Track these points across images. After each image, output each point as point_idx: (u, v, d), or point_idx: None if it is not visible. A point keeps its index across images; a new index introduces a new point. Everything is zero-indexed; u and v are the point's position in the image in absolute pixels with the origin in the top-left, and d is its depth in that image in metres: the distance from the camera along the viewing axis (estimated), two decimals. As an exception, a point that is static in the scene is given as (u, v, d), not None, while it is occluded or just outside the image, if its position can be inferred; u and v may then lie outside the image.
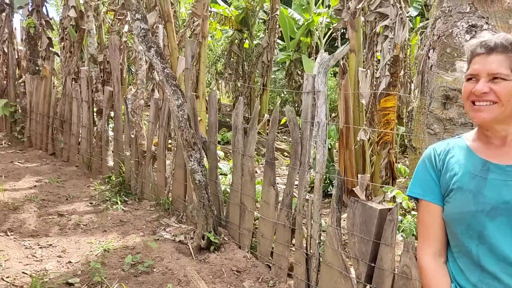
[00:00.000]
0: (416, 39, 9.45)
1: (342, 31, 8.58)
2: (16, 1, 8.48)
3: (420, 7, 9.73)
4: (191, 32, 9.42)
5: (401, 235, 4.04)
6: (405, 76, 8.58)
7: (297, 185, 3.19)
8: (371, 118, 5.21)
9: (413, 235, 3.82)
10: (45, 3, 9.04)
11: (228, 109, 13.75)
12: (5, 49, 8.54)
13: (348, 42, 5.04)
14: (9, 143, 7.40)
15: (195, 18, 8.31)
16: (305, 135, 3.10)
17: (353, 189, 2.88)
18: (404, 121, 5.76)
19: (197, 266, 3.35)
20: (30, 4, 9.01)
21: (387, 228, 2.47)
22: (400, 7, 4.83)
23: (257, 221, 3.66)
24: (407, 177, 6.06)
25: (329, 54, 3.16)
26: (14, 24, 9.34)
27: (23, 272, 3.18)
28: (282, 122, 9.10)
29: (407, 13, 5.09)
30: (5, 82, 8.33)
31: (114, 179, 5.24)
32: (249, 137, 3.61)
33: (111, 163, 5.51)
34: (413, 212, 4.43)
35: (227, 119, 10.45)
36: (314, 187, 3.03)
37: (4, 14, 8.64)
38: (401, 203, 3.98)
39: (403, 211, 4.51)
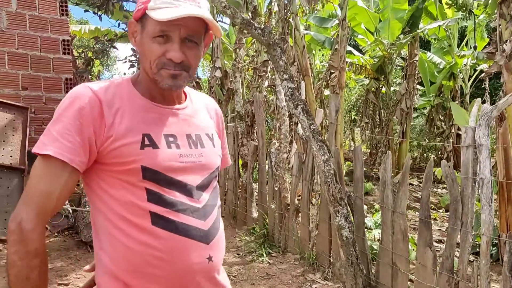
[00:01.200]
0: None
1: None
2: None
3: None
4: (327, 83, 9.58)
5: None
6: None
7: (458, 246, 2.91)
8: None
9: None
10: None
11: (364, 158, 13.45)
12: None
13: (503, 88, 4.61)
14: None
15: (332, 70, 8.45)
16: (466, 192, 2.85)
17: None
18: None
19: (347, 329, 3.20)
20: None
21: None
22: None
23: (410, 283, 3.41)
24: None
25: (475, 98, 2.92)
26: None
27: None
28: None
29: None
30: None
31: (258, 230, 5.40)
32: (399, 193, 3.44)
33: (255, 214, 5.71)
34: None
35: (364, 169, 10.16)
36: (480, 250, 2.73)
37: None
38: None
39: None
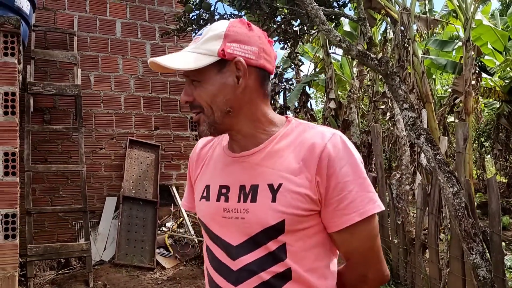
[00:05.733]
0: None
1: None
2: (288, 101, 9.84)
3: None
4: (451, 109, 9.00)
5: None
6: None
7: None
8: None
9: None
10: (309, 99, 10.21)
11: (501, 190, 12.19)
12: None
13: None
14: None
15: (457, 95, 7.94)
16: None
17: None
18: None
19: None
20: (297, 101, 10.32)
21: None
22: None
23: None
24: None
25: None
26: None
27: None
28: None
29: None
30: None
31: (381, 266, 5.15)
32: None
33: (377, 249, 5.46)
34: None
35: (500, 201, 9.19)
36: None
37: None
38: None
39: None
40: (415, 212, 4.88)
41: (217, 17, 5.20)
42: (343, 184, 1.05)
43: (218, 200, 1.15)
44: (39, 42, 5.71)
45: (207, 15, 5.07)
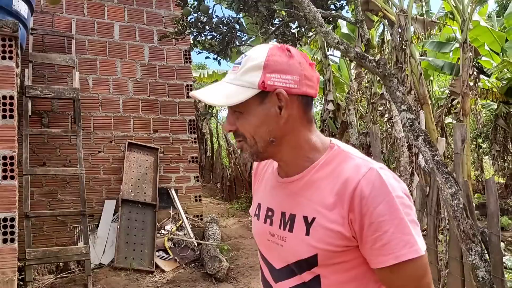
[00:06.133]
0: None
1: None
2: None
3: None
4: (448, 110, 9.03)
5: None
6: None
7: None
8: None
9: None
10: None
11: (499, 191, 12.21)
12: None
13: None
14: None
15: (454, 96, 7.96)
16: None
17: None
18: None
19: None
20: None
21: None
22: None
23: None
24: None
25: None
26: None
27: None
28: None
29: None
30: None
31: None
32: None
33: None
34: None
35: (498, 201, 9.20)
36: None
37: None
38: None
39: None
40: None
41: (215, 19, 5.20)
42: (378, 224, 1.00)
43: (265, 222, 1.18)
44: (37, 45, 5.71)
45: (205, 18, 5.08)
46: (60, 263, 5.12)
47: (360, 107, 11.60)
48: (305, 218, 1.07)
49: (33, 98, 5.32)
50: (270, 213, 1.17)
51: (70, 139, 5.69)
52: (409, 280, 1.04)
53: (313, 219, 1.06)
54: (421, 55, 11.06)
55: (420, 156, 4.85)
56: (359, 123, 11.31)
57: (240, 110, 1.08)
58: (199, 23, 5.11)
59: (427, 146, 3.55)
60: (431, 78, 12.56)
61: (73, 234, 5.58)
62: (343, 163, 1.08)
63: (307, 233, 1.06)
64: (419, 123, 5.31)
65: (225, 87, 1.08)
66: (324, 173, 1.09)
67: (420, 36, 11.76)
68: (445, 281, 4.17)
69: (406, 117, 3.70)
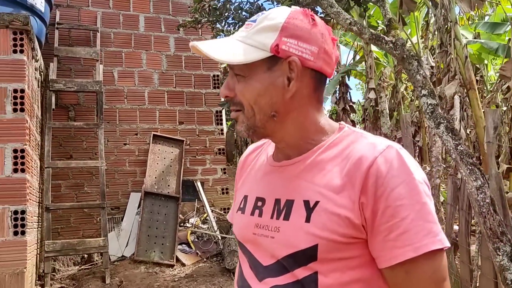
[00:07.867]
0: None
1: None
2: (325, 94, 9.51)
3: None
4: (501, 96, 8.35)
5: None
6: None
7: None
8: None
9: None
10: (349, 90, 9.79)
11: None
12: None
13: None
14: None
15: (505, 80, 7.30)
16: None
17: None
18: None
19: None
20: (337, 92, 9.94)
21: None
22: None
23: None
24: None
25: None
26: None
27: None
28: None
29: None
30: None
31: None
32: None
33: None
34: None
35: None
36: None
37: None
38: None
39: None
40: (446, 208, 4.48)
41: (234, 5, 5.01)
42: (395, 209, 0.83)
43: (252, 213, 1.01)
44: (63, 39, 5.78)
45: (219, 4, 4.89)
46: (85, 255, 5.18)
47: (405, 94, 10.99)
48: (306, 202, 0.91)
49: (59, 92, 5.40)
50: (259, 203, 1.00)
51: (96, 132, 5.73)
52: (427, 283, 0.84)
53: (316, 203, 0.89)
54: (475, 38, 10.29)
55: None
56: (405, 111, 10.73)
57: (243, 74, 0.94)
58: (216, 11, 4.93)
59: (450, 134, 3.19)
60: (486, 62, 11.68)
61: (99, 226, 5.63)
62: (354, 142, 0.93)
63: (308, 220, 0.89)
64: (448, 109, 4.88)
65: (233, 44, 0.94)
66: (331, 153, 0.93)
67: (471, 17, 10.96)
68: (477, 283, 3.79)
69: (427, 102, 3.35)
